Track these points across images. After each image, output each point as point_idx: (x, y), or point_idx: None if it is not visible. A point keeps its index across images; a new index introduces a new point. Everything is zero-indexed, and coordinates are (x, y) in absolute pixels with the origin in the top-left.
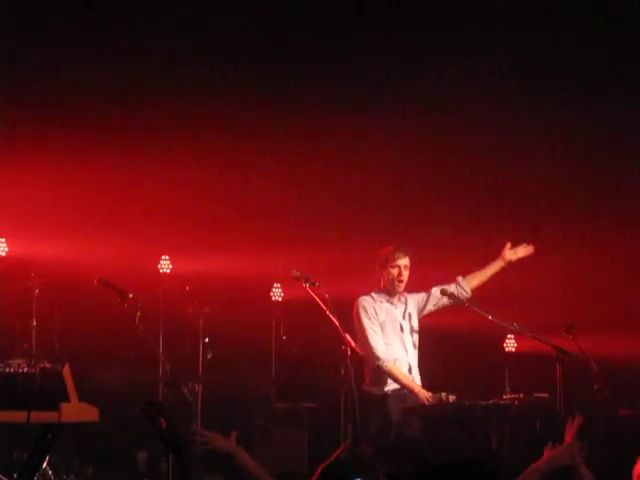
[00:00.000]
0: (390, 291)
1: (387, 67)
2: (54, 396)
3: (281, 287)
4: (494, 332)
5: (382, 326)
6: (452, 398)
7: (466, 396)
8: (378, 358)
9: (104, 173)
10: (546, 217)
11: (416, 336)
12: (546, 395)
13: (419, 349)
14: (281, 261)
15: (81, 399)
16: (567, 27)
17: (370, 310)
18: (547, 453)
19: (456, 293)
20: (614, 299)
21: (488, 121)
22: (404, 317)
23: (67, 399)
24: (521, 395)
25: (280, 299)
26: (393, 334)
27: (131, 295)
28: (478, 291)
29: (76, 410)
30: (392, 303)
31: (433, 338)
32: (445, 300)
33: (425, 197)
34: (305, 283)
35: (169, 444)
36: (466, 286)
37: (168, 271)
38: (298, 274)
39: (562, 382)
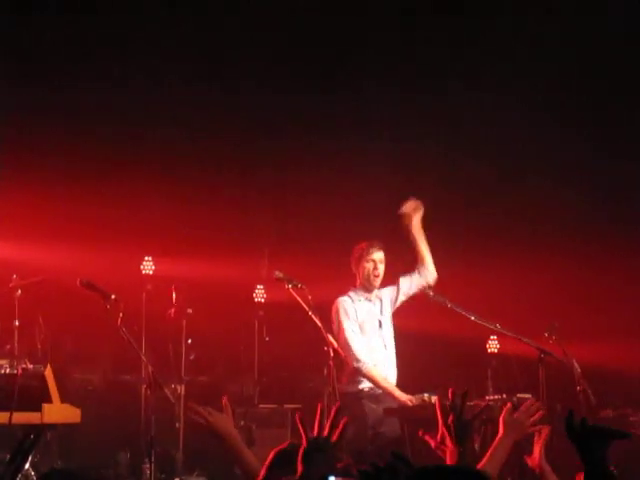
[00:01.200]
0: (367, 287)
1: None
2: (36, 397)
3: (264, 288)
4: (477, 333)
5: (362, 326)
6: (434, 399)
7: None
8: (357, 360)
9: (86, 175)
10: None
11: (392, 329)
12: (529, 396)
13: (398, 345)
14: (265, 262)
15: (63, 400)
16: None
17: (350, 311)
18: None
19: (422, 277)
20: (598, 301)
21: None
22: (382, 312)
23: (49, 400)
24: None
25: (263, 300)
26: (373, 333)
27: (113, 296)
28: (461, 291)
29: (58, 411)
30: (370, 300)
31: (416, 339)
32: (414, 287)
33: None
34: (288, 284)
35: None
36: (425, 269)
37: (151, 272)
38: (281, 275)
39: (545, 383)
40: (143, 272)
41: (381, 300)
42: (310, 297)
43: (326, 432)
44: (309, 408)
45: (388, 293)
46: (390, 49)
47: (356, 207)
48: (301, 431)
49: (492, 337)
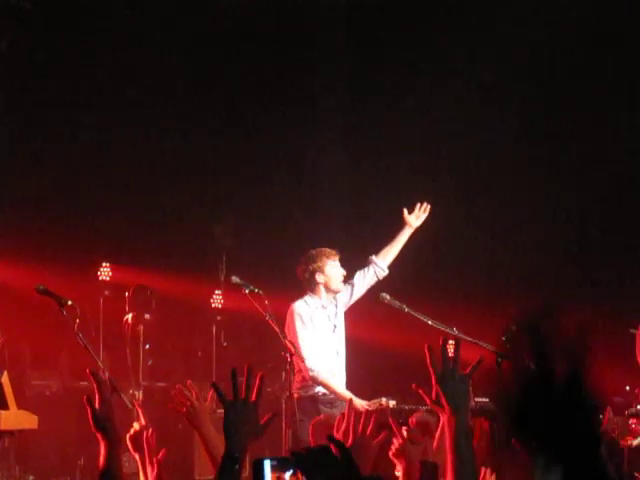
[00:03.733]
0: (326, 295)
1: None
2: None
3: (222, 294)
4: (433, 337)
5: (316, 331)
6: (392, 403)
7: (406, 401)
8: (311, 369)
9: (42, 181)
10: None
11: (344, 333)
12: (486, 400)
13: (351, 351)
14: (222, 268)
15: (20, 407)
16: None
17: (305, 317)
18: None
19: (374, 274)
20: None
21: None
22: (336, 316)
23: (6, 407)
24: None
25: (220, 306)
26: (326, 339)
27: (70, 302)
28: (419, 294)
29: (15, 418)
30: (325, 307)
31: (372, 344)
32: (369, 279)
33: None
34: (246, 290)
35: None
36: (382, 264)
37: (108, 278)
38: (239, 280)
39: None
40: (100, 278)
41: (336, 305)
42: (267, 302)
43: (242, 394)
44: (267, 413)
45: (342, 295)
46: None
47: (312, 211)
48: (218, 398)
49: (450, 342)
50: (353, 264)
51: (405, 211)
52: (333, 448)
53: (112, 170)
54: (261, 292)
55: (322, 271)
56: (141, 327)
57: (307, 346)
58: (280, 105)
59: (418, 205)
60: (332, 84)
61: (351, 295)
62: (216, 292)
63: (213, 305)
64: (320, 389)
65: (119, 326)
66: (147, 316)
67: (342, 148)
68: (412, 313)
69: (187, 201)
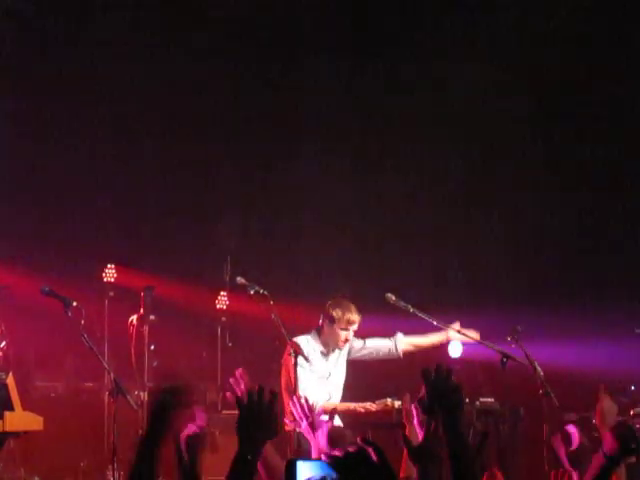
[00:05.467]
0: (329, 346)
1: None
2: None
3: (227, 295)
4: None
5: (312, 371)
6: (397, 404)
7: (412, 401)
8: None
9: (49, 183)
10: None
11: (343, 377)
12: (491, 400)
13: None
14: (227, 268)
15: (25, 408)
16: None
17: (303, 354)
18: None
19: (390, 350)
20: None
21: None
22: (335, 365)
23: (11, 408)
24: (466, 400)
25: (225, 307)
26: (318, 383)
27: (75, 303)
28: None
29: (20, 419)
30: (325, 356)
31: None
32: (381, 350)
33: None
34: (251, 291)
35: None
36: (400, 347)
37: (113, 280)
38: (244, 281)
39: (507, 387)
40: (105, 279)
41: (339, 352)
42: (272, 303)
43: (257, 397)
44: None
45: (350, 346)
46: None
47: (323, 207)
48: (235, 400)
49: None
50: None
51: (457, 323)
52: (370, 452)
53: (116, 171)
54: (266, 293)
55: (331, 322)
56: (146, 328)
57: (302, 382)
58: (284, 104)
59: (473, 330)
60: (332, 84)
61: (358, 352)
62: (221, 293)
63: (218, 306)
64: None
65: (124, 327)
66: (152, 317)
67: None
68: (417, 313)
69: (192, 202)
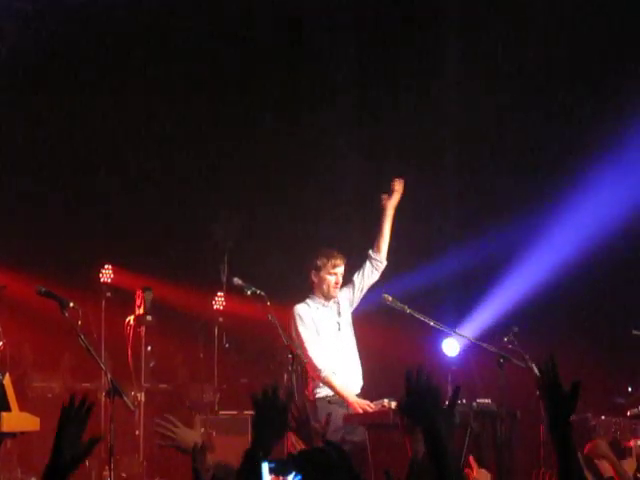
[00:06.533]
0: (325, 296)
1: None
2: None
3: (224, 295)
4: (435, 337)
5: (318, 331)
6: (394, 404)
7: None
8: (316, 369)
9: (45, 179)
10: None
11: (352, 330)
12: (489, 401)
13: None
14: (224, 269)
15: (22, 408)
16: None
17: (307, 319)
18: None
19: (373, 269)
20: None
21: None
22: (340, 314)
23: (8, 409)
24: (464, 401)
25: (222, 307)
26: (329, 338)
27: (72, 304)
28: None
29: (17, 420)
30: (327, 306)
31: (374, 345)
32: (367, 274)
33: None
34: (247, 291)
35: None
36: (377, 255)
37: (109, 280)
38: (240, 282)
39: (504, 388)
40: (102, 280)
41: (338, 303)
42: (269, 303)
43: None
44: None
45: (345, 294)
46: None
47: (316, 211)
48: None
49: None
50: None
51: (384, 196)
52: (331, 450)
53: (114, 171)
54: (263, 293)
55: (317, 271)
56: (143, 329)
57: (311, 347)
58: (288, 104)
59: (394, 182)
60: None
61: (353, 293)
62: (218, 294)
63: (215, 307)
64: (331, 392)
65: (121, 328)
66: (149, 318)
67: (352, 149)
68: (414, 314)
69: (189, 202)
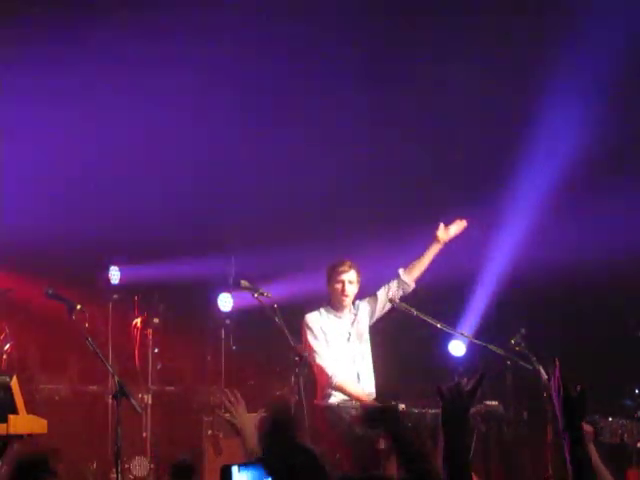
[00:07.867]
0: (337, 306)
1: None
2: (2, 408)
3: (231, 297)
4: (442, 339)
5: (328, 341)
6: (401, 407)
7: (415, 404)
8: (328, 376)
9: (50, 180)
10: None
11: (366, 343)
12: (496, 403)
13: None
14: (231, 271)
15: (29, 411)
16: None
17: (315, 328)
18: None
19: (399, 288)
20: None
21: None
22: (352, 325)
23: (15, 411)
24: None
25: (229, 309)
26: (339, 347)
27: (79, 306)
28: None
29: (24, 422)
30: (340, 317)
31: (382, 347)
32: (393, 293)
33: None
34: (255, 293)
35: None
36: (407, 278)
37: (116, 282)
38: (248, 284)
39: (512, 390)
40: (109, 282)
41: (356, 313)
42: (276, 305)
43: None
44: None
45: (365, 305)
46: None
47: (324, 211)
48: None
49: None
50: (370, 269)
51: (441, 225)
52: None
53: (120, 171)
54: (270, 295)
55: (328, 282)
56: (150, 331)
57: (321, 355)
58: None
59: (457, 221)
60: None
61: (375, 307)
62: (225, 295)
63: (222, 309)
64: (340, 397)
65: (128, 330)
66: (156, 320)
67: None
68: (421, 316)
69: (196, 203)
